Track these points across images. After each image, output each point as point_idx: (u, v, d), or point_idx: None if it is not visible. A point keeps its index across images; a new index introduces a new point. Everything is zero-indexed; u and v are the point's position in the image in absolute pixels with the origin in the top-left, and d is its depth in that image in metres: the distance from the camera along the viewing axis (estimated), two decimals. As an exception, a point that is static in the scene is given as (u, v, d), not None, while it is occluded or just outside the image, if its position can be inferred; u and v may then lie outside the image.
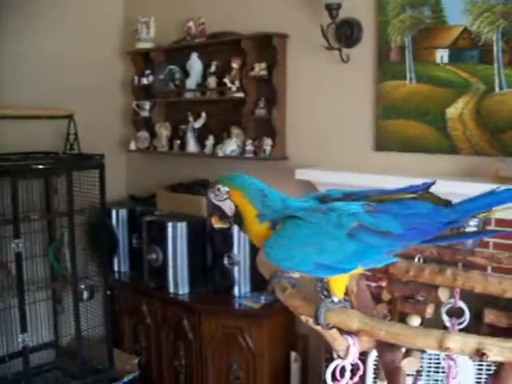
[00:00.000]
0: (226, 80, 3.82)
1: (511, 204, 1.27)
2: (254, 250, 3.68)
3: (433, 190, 2.93)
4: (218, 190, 1.35)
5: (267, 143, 3.72)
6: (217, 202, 1.36)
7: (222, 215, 1.38)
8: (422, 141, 3.17)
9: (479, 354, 1.15)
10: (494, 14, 2.88)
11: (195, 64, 4.02)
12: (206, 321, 3.64)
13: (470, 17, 2.95)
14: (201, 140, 4.06)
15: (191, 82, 4.05)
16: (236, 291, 3.74)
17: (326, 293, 1.49)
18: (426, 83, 3.13)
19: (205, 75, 4.01)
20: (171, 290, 3.84)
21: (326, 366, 3.48)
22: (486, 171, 2.92)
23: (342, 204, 1.32)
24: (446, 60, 3.05)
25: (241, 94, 3.79)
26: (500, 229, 2.75)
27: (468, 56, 2.98)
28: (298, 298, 1.46)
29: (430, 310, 1.76)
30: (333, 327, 1.41)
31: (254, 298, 3.70)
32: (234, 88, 3.81)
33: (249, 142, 3.77)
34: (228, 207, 1.36)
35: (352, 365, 1.55)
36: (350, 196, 1.38)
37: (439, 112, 3.10)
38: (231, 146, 3.83)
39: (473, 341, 1.16)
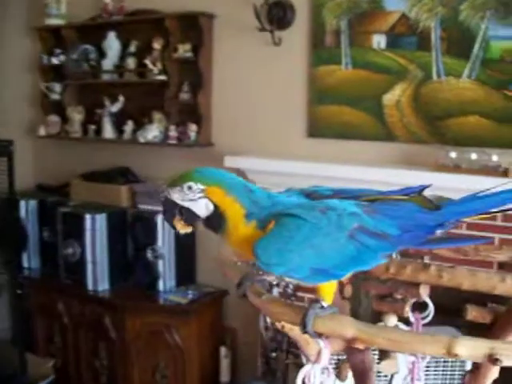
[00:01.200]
0: (147, 61, 3.54)
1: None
2: (179, 243, 3.48)
3: (369, 177, 2.86)
4: (189, 188, 1.12)
5: (192, 129, 3.49)
6: (183, 203, 1.13)
7: (190, 218, 1.14)
8: (357, 128, 3.08)
9: (491, 360, 1.03)
10: (433, 1, 2.82)
11: (112, 44, 3.70)
12: (129, 318, 3.39)
13: (408, 3, 2.88)
14: (118, 125, 3.76)
15: (108, 63, 3.73)
16: (161, 286, 3.51)
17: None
18: (362, 69, 3.03)
19: (123, 56, 3.71)
20: (90, 286, 3.54)
21: (265, 362, 3.34)
22: (424, 159, 2.87)
23: (338, 202, 1.16)
24: (383, 46, 2.96)
25: (163, 77, 3.53)
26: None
27: (406, 42, 2.90)
28: (280, 304, 1.28)
29: (408, 309, 1.63)
30: (321, 335, 1.24)
31: (181, 292, 3.49)
32: (155, 70, 3.54)
33: (172, 127, 3.52)
34: (202, 208, 1.13)
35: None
36: (339, 194, 1.23)
37: (376, 98, 3.01)
38: (153, 132, 3.57)
39: (484, 345, 1.04)
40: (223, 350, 3.51)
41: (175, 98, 3.53)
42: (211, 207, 1.12)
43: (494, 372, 1.59)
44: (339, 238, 1.11)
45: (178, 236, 3.47)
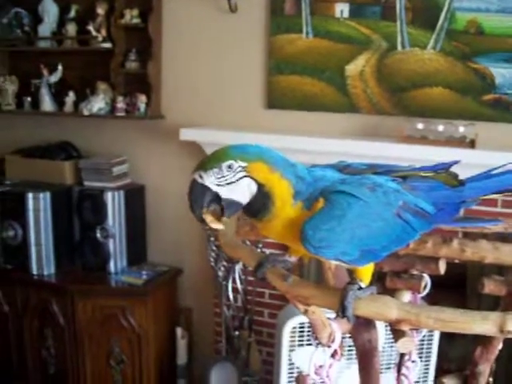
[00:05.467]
0: (91, 28, 3.32)
1: None
2: (130, 220, 3.36)
3: (331, 149, 2.84)
4: (229, 167, 1.00)
5: (141, 100, 3.32)
6: (220, 190, 1.01)
7: (230, 207, 1.02)
8: (319, 99, 3.04)
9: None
10: (398, -31, 2.79)
11: (49, 7, 3.44)
12: (79, 303, 3.23)
13: (372, -30, 2.84)
14: (58, 97, 3.52)
15: (44, 29, 3.47)
16: (111, 267, 3.37)
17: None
18: (323, 38, 2.98)
19: (62, 21, 3.46)
20: (34, 270, 3.33)
21: (217, 341, 3.28)
22: (389, 131, 2.90)
23: (380, 178, 1.12)
24: (346, 15, 2.92)
25: (108, 45, 3.34)
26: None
27: (370, 12, 2.87)
28: (310, 287, 1.21)
29: (423, 285, 1.61)
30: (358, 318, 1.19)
31: (134, 273, 3.37)
32: (99, 37, 3.33)
33: (119, 98, 3.34)
34: (244, 190, 1.02)
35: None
36: (374, 168, 1.18)
37: (338, 69, 2.97)
38: (98, 104, 3.37)
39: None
40: (179, 331, 3.43)
41: (122, 68, 3.36)
42: (254, 188, 1.02)
43: (501, 343, 1.62)
44: (388, 217, 1.07)
45: (128, 213, 3.35)
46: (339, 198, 1.03)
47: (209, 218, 1.02)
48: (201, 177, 1.01)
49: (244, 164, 1.01)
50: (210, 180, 1.00)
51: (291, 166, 1.06)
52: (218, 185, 1.01)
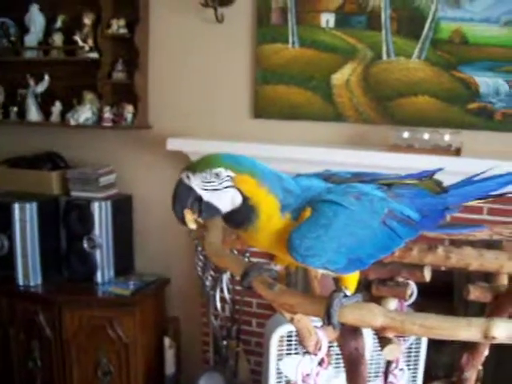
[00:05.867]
0: (77, 38, 3.32)
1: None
2: (117, 230, 3.36)
3: (318, 158, 2.86)
4: (216, 175, 1.01)
5: (128, 110, 3.33)
6: (203, 193, 1.02)
7: (208, 211, 1.04)
8: (305, 108, 3.05)
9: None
10: (383, -21, 2.82)
11: (36, 17, 3.44)
12: (67, 314, 3.22)
13: (357, -20, 2.86)
14: (45, 107, 3.52)
15: (31, 39, 3.47)
16: (99, 277, 3.36)
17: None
18: (310, 48, 3.00)
19: (48, 31, 3.46)
20: (20, 281, 3.31)
21: (205, 351, 3.27)
22: (374, 139, 2.92)
23: (365, 186, 1.13)
24: (331, 24, 2.94)
25: (95, 55, 3.34)
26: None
27: (355, 21, 2.90)
28: (296, 295, 1.21)
29: (409, 292, 1.62)
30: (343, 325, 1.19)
31: (121, 283, 3.35)
32: (86, 47, 3.34)
33: (106, 108, 3.34)
34: (227, 199, 1.03)
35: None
36: (359, 177, 1.19)
37: (324, 78, 2.99)
38: (85, 114, 3.37)
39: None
40: (167, 341, 3.41)
41: (108, 78, 3.36)
42: (238, 199, 1.03)
43: (487, 349, 1.63)
44: (374, 225, 1.08)
45: (115, 223, 3.34)
46: (325, 207, 1.04)
47: (188, 217, 1.03)
48: (188, 177, 1.02)
49: (232, 174, 1.02)
50: (196, 182, 1.02)
51: (279, 180, 1.07)
52: (203, 189, 1.02)
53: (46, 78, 3.49)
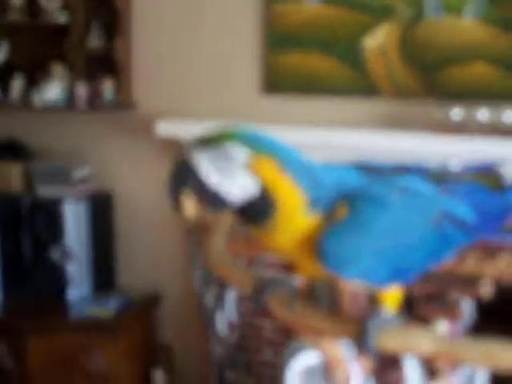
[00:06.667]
0: (41, -4, 3.34)
1: None
2: (95, 236, 3.40)
3: (346, 143, 2.86)
4: (228, 154, 1.00)
5: (107, 85, 3.35)
6: (211, 175, 1.01)
7: (213, 199, 1.03)
8: (329, 80, 3.06)
9: None
10: None
11: (-11, -28, 3.44)
12: (31, 340, 3.25)
13: None
14: (2, 82, 3.53)
15: (-16, -2, 3.47)
16: (72, 295, 3.39)
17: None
18: (334, 5, 3.00)
19: (6, -12, 3.47)
20: (-26, 301, 3.33)
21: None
22: (416, 118, 2.90)
23: (413, 181, 1.16)
24: (361, -25, 2.95)
25: (64, 17, 3.36)
26: None
27: (391, -30, 2.90)
28: (322, 316, 1.25)
29: (462, 312, 1.64)
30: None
31: (100, 302, 3.39)
32: (52, 8, 3.36)
33: (79, 84, 3.36)
34: (241, 185, 1.02)
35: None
36: (403, 168, 1.23)
37: (353, 43, 3.00)
38: (53, 91, 3.40)
39: None
40: (158, 374, 3.44)
41: (81, 45, 3.38)
42: (254, 187, 1.02)
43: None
44: (422, 227, 1.10)
45: (92, 228, 3.37)
46: (365, 206, 1.06)
47: (186, 202, 1.02)
48: (191, 153, 1.02)
49: (248, 154, 1.01)
50: (201, 160, 1.01)
51: (308, 167, 1.07)
52: (211, 169, 1.01)
53: (3, 46, 3.50)
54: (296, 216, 1.04)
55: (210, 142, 1.01)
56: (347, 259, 1.03)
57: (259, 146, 1.02)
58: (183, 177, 1.02)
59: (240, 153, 1.01)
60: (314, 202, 1.04)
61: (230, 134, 1.02)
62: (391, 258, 1.07)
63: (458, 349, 1.11)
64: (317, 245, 1.03)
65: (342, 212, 1.05)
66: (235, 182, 1.02)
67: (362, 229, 1.03)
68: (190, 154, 1.02)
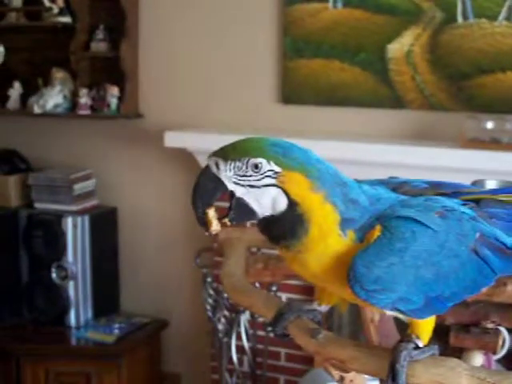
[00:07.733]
0: (43, -3, 3.38)
1: None
2: (97, 256, 3.39)
3: (369, 158, 2.85)
4: (256, 167, 1.00)
5: (112, 93, 3.37)
6: (237, 188, 1.02)
7: (239, 214, 1.04)
8: (351, 90, 3.06)
9: None
10: None
11: (-13, -28, 3.49)
12: (28, 368, 3.26)
13: None
14: (0, 89, 3.56)
15: (-19, 0, 3.51)
16: (72, 319, 3.40)
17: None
18: (357, 8, 3.01)
19: (5, -12, 3.51)
20: (-33, 324, 3.34)
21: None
22: (446, 132, 2.90)
23: (450, 201, 1.14)
24: (387, -24, 2.95)
25: (67, 19, 3.40)
26: None
27: (420, -29, 2.90)
28: (349, 346, 1.22)
29: (500, 343, 1.61)
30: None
31: (103, 327, 3.40)
32: (55, 9, 3.40)
33: (83, 91, 3.39)
34: (268, 201, 1.02)
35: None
36: (438, 187, 1.21)
37: (377, 49, 2.99)
38: (54, 99, 3.43)
39: None
40: (164, 405, 3.43)
41: (85, 50, 3.40)
42: (283, 204, 1.02)
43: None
44: (462, 253, 1.08)
45: (95, 246, 3.37)
46: (402, 226, 1.04)
47: (210, 217, 1.03)
48: (217, 166, 1.02)
49: (278, 169, 1.01)
50: (227, 173, 1.02)
51: (342, 184, 1.07)
52: (236, 183, 1.02)
53: (1, 49, 3.52)
54: (329, 236, 1.03)
55: (235, 154, 1.01)
56: (380, 285, 1.02)
57: (288, 160, 1.02)
58: (208, 191, 1.03)
59: (267, 168, 1.01)
60: (347, 222, 1.04)
61: (256, 146, 1.03)
62: (427, 285, 1.05)
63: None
64: (348, 269, 1.02)
65: (376, 233, 1.04)
66: (263, 197, 1.02)
67: (397, 251, 1.02)
68: (214, 166, 1.02)
